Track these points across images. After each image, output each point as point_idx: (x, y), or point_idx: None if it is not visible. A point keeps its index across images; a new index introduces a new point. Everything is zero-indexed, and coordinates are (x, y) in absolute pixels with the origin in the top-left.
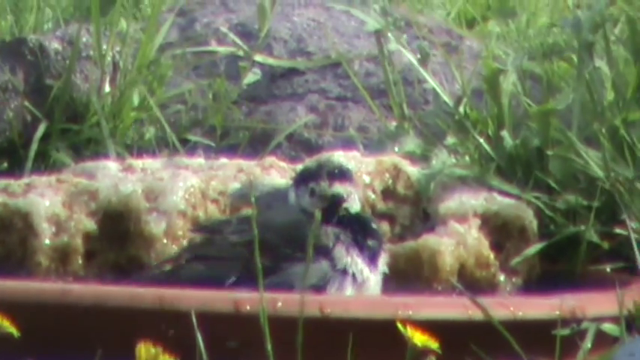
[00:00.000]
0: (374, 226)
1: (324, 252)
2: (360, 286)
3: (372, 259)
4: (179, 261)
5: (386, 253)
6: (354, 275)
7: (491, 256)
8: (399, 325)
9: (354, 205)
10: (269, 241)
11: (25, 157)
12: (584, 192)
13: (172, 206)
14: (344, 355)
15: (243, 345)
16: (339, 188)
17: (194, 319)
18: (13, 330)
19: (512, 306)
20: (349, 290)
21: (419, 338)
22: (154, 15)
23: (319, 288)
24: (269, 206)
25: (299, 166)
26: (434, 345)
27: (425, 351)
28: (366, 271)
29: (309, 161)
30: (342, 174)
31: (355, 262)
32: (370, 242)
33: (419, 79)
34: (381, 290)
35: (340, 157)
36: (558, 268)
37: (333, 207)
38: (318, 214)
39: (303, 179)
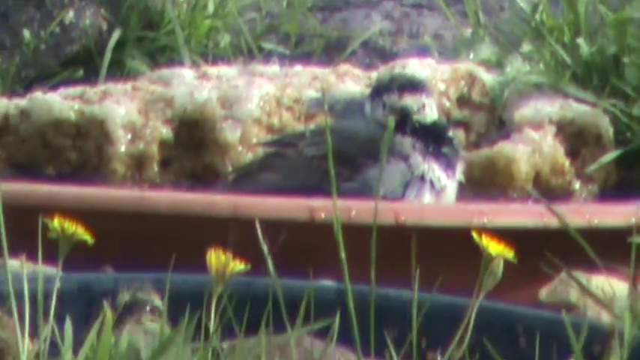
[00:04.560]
0: (450, 134)
1: (402, 158)
2: (438, 193)
3: (448, 165)
4: (252, 169)
5: (463, 161)
6: (431, 182)
7: (567, 163)
8: (474, 234)
9: (428, 115)
10: (347, 151)
11: (101, 65)
12: None
13: (247, 114)
14: (418, 263)
15: (318, 253)
16: (408, 100)
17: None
18: (87, 237)
19: (587, 213)
20: (427, 197)
21: (494, 247)
22: None
23: (398, 193)
24: (344, 116)
25: (373, 74)
26: (509, 254)
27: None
28: (444, 178)
29: (383, 72)
30: (413, 85)
31: (432, 168)
32: (445, 150)
33: None
34: (456, 198)
35: (414, 65)
36: (634, 175)
37: (403, 119)
38: (391, 123)
39: (377, 92)
